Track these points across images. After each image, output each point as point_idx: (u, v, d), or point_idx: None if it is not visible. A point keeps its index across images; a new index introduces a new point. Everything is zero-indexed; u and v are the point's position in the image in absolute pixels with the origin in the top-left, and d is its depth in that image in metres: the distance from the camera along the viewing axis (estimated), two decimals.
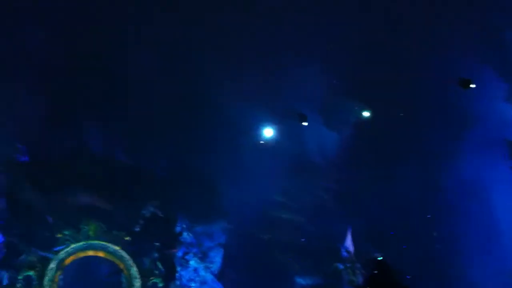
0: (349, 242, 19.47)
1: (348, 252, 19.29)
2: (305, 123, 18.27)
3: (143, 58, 17.18)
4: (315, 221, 19.52)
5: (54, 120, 17.81)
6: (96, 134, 18.57)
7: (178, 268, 17.92)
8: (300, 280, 19.06)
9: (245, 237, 18.75)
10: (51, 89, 17.55)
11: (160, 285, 17.45)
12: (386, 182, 18.75)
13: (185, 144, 18.90)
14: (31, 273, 16.56)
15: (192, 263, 18.10)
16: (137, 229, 18.13)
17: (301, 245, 19.63)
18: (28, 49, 17.20)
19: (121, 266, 17.54)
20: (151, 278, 17.47)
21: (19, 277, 16.42)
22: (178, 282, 17.78)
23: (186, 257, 18.15)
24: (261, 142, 18.90)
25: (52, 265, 16.80)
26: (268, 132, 18.89)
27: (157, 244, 17.92)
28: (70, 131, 18.16)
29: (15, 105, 17.32)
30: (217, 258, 18.56)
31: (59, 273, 16.87)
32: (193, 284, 17.84)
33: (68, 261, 17.18)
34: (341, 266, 19.19)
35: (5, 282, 16.39)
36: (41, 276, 16.58)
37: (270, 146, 18.81)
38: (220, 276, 18.35)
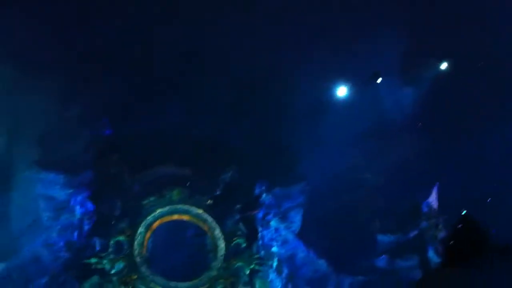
0: (433, 199, 19.11)
1: (431, 208, 18.97)
2: (379, 81, 17.85)
3: (220, 31, 17.37)
4: (397, 180, 19.28)
5: (137, 97, 18.44)
6: (178, 110, 19.08)
7: (260, 229, 18.29)
8: (382, 238, 18.98)
9: (324, 197, 18.80)
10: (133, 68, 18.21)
11: (243, 245, 17.88)
12: (468, 140, 18.17)
13: (261, 113, 19.06)
14: (121, 238, 17.33)
15: (273, 223, 18.41)
16: (218, 193, 18.65)
17: (382, 204, 19.49)
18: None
19: (205, 228, 18.12)
20: (234, 238, 17.93)
21: (111, 242, 17.19)
22: (260, 242, 18.15)
23: (267, 218, 18.46)
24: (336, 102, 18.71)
25: (141, 229, 17.52)
26: (342, 91, 18.69)
27: (238, 206, 18.34)
28: (152, 107, 18.74)
29: (100, 82, 18.08)
30: (297, 218, 18.78)
31: (148, 236, 17.59)
32: (274, 243, 18.15)
33: (155, 225, 17.86)
34: (424, 223, 18.93)
35: (97, 248, 17.23)
36: (131, 241, 17.32)
37: (346, 107, 18.62)
38: (301, 235, 18.63)
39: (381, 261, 18.69)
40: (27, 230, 17.29)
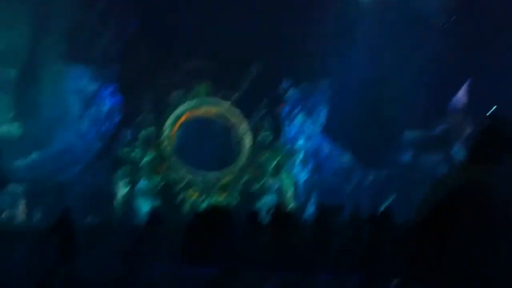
0: (463, 95, 18.81)
1: (460, 104, 18.72)
2: None
3: None
4: (426, 74, 18.92)
5: None
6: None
7: (286, 123, 18.44)
8: (408, 134, 18.98)
9: (351, 92, 18.67)
10: None
11: (269, 138, 18.13)
12: (503, 38, 17.51)
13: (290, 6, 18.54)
14: (150, 129, 17.68)
15: (299, 118, 18.50)
16: (245, 87, 18.65)
17: (410, 99, 19.28)
18: None
19: (232, 121, 18.34)
20: (260, 132, 18.16)
21: (141, 133, 17.57)
22: (286, 136, 18.38)
23: (293, 112, 18.54)
24: None
25: (170, 121, 17.82)
26: None
27: (265, 101, 18.39)
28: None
29: None
30: (322, 113, 18.84)
31: (176, 128, 17.92)
32: (300, 138, 18.36)
33: (183, 118, 18.13)
34: (450, 120, 18.79)
35: (128, 138, 17.66)
36: (159, 132, 17.68)
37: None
38: (326, 129, 18.78)
39: (406, 156, 18.78)
40: (58, 120, 17.71)
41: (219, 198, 17.15)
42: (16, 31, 17.54)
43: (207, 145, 18.23)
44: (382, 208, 12.47)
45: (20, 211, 16.20)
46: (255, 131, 18.16)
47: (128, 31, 18.46)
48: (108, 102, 17.93)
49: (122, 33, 18.26)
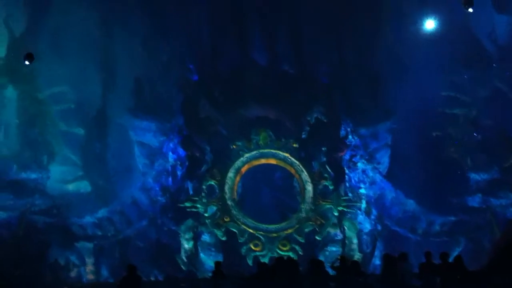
0: None
1: None
2: (470, 9, 16.69)
3: None
4: (490, 114, 18.45)
5: (220, 33, 18.58)
6: (260, 45, 19.10)
7: (347, 170, 18.24)
8: (474, 176, 18.37)
9: (413, 135, 18.37)
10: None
11: (331, 187, 17.91)
12: None
13: (347, 44, 18.67)
14: (212, 182, 17.88)
15: (360, 164, 18.28)
16: (304, 135, 18.69)
17: (475, 139, 18.77)
18: None
19: (292, 171, 18.32)
20: (321, 181, 18.00)
21: (203, 186, 17.77)
22: (347, 184, 18.15)
23: (353, 159, 18.34)
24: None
25: (230, 174, 17.97)
26: (430, 24, 17.83)
27: (324, 148, 18.33)
28: (235, 44, 18.83)
29: (185, 28, 18.38)
30: (384, 158, 18.55)
31: (237, 180, 18.04)
32: (362, 185, 18.07)
33: (244, 169, 18.27)
34: None
35: (191, 192, 17.94)
36: (222, 185, 17.84)
37: (436, 37, 17.81)
38: (389, 175, 18.42)
39: (474, 200, 18.13)
40: (124, 176, 18.25)
41: (282, 250, 16.97)
42: (85, 92, 18.43)
43: (269, 196, 18.25)
44: (452, 255, 11.96)
45: (89, 267, 16.59)
46: (316, 180, 18.00)
47: (189, 84, 19.02)
48: (171, 156, 18.34)
49: (184, 87, 18.79)
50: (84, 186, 17.68)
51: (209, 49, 19.00)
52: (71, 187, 17.55)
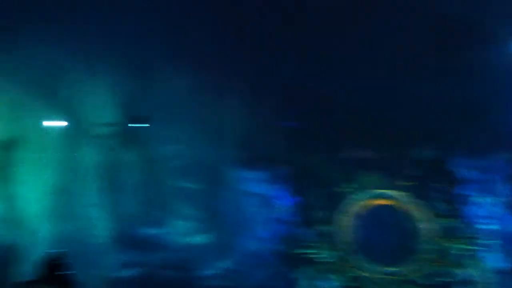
0: None
1: None
2: None
3: None
4: None
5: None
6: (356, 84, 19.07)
7: (463, 206, 17.52)
8: None
9: None
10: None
11: (449, 224, 17.29)
12: None
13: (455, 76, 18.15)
14: (325, 227, 17.85)
15: (477, 199, 17.49)
16: (414, 172, 18.22)
17: None
18: None
19: (406, 210, 17.86)
20: (438, 219, 17.43)
21: (316, 232, 17.81)
22: (466, 220, 17.41)
23: (469, 193, 17.60)
24: None
25: (343, 216, 17.88)
26: None
27: (438, 185, 17.73)
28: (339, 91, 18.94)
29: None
30: (503, 189, 17.64)
31: (350, 223, 17.86)
32: (482, 220, 17.26)
33: (356, 211, 18.08)
34: None
35: (304, 238, 17.96)
36: (334, 229, 17.76)
37: None
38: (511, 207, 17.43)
39: None
40: (239, 226, 18.70)
41: None
42: (196, 147, 19.26)
43: (384, 237, 17.86)
44: None
45: None
46: (432, 218, 17.43)
47: (292, 130, 19.30)
48: (280, 203, 18.58)
49: (287, 134, 19.09)
50: (202, 239, 18.26)
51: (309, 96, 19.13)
52: (190, 240, 18.18)
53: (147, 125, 16.92)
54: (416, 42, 18.06)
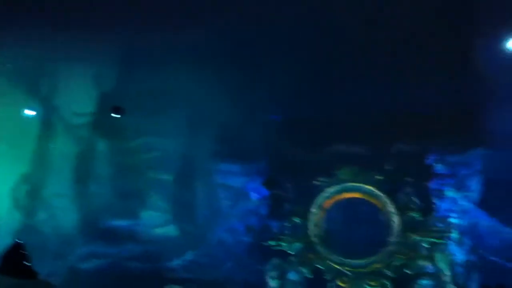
0: None
1: None
2: None
3: None
4: None
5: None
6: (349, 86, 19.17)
7: (435, 200, 17.56)
8: None
9: (507, 160, 17.39)
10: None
11: (419, 218, 17.31)
12: None
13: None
14: (296, 219, 17.85)
15: (449, 193, 17.54)
16: (388, 167, 18.26)
17: None
18: None
19: (378, 204, 17.90)
20: (409, 212, 17.43)
21: (287, 224, 17.78)
22: (436, 214, 17.44)
23: (442, 188, 17.64)
24: None
25: (314, 210, 17.89)
26: None
27: (410, 179, 17.78)
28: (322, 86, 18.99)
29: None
30: (475, 186, 17.66)
31: (321, 216, 17.89)
32: (452, 215, 17.28)
33: (327, 204, 18.09)
34: None
35: (275, 230, 17.97)
36: (305, 222, 17.78)
37: None
38: (482, 203, 17.48)
39: None
40: (209, 218, 18.67)
41: (371, 286, 16.54)
42: (171, 139, 19.19)
43: (354, 230, 17.89)
44: None
45: None
46: (403, 212, 17.47)
47: (271, 125, 19.30)
48: (254, 196, 18.57)
49: (264, 126, 19.06)
50: (172, 230, 18.22)
51: (293, 91, 19.09)
52: (159, 231, 18.13)
53: (122, 115, 16.79)
54: (393, 40, 18.17)
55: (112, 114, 15.92)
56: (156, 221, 18.19)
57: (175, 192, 18.76)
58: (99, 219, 17.41)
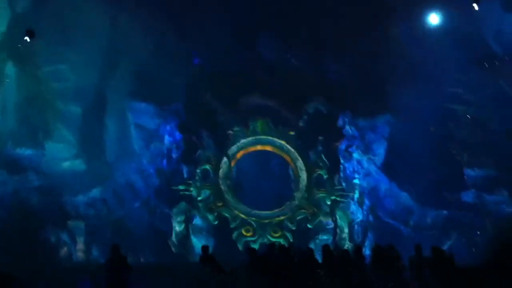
0: None
1: None
2: (476, 7, 16.37)
3: None
4: (497, 117, 18.31)
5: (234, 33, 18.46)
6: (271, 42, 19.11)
7: (342, 161, 18.28)
8: (469, 172, 18.27)
9: (411, 129, 18.25)
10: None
11: (325, 176, 17.99)
12: None
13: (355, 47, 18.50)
14: (207, 166, 17.95)
15: (355, 155, 18.30)
16: (302, 124, 18.69)
17: (478, 141, 18.57)
18: None
19: (288, 159, 18.36)
20: (316, 170, 18.06)
21: (197, 171, 17.85)
22: (342, 174, 18.20)
23: (349, 149, 18.37)
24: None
25: (225, 159, 18.03)
26: (434, 19, 17.64)
27: (321, 138, 18.34)
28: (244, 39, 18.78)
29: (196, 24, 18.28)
30: (380, 150, 18.52)
31: (232, 165, 18.10)
32: (356, 176, 18.12)
33: (239, 155, 18.33)
34: None
35: (185, 175, 17.98)
36: (216, 169, 17.91)
37: (440, 35, 17.64)
38: (384, 167, 18.41)
39: (468, 195, 18.11)
40: (119, 157, 18.21)
41: (274, 237, 17.09)
42: (85, 73, 18.25)
43: (263, 182, 18.29)
44: (443, 249, 11.97)
45: (80, 246, 16.61)
46: (311, 169, 18.06)
47: (190, 70, 18.96)
48: (167, 139, 18.33)
49: (184, 72, 18.69)
50: (78, 165, 17.58)
51: (216, 43, 18.73)
52: (66, 165, 17.44)
53: (33, 39, 15.62)
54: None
55: (26, 38, 14.79)
56: (62, 154, 17.43)
57: (84, 126, 18.02)
58: (1, 146, 16.35)
